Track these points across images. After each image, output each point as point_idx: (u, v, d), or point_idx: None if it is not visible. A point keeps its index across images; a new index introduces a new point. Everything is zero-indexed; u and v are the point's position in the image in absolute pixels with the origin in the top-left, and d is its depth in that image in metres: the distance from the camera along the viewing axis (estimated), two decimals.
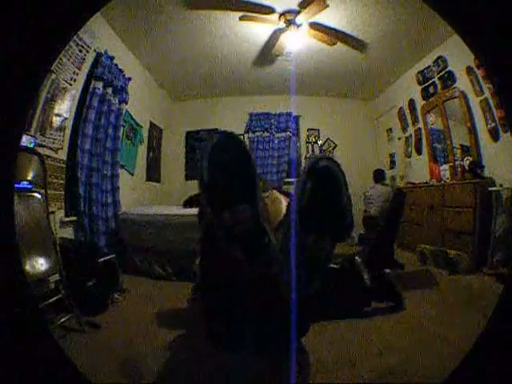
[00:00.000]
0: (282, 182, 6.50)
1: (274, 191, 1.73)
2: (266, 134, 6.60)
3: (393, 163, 6.26)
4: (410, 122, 5.57)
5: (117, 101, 4.07)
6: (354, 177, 6.43)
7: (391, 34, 4.17)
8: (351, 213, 1.26)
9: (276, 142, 6.60)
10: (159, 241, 3.52)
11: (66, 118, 3.17)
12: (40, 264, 2.00)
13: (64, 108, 3.14)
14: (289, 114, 6.63)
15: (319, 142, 6.73)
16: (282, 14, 3.75)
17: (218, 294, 1.67)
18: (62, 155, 3.16)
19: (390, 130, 6.36)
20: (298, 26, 3.83)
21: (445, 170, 4.48)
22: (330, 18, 3.81)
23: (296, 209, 1.23)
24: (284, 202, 1.68)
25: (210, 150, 1.19)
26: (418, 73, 5.03)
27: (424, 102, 5.04)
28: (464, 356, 1.13)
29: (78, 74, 3.30)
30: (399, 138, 5.97)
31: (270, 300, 1.46)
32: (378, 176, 5.46)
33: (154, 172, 5.98)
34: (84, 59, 3.37)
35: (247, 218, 1.21)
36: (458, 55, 4.05)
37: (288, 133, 6.60)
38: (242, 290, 1.50)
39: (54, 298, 2.07)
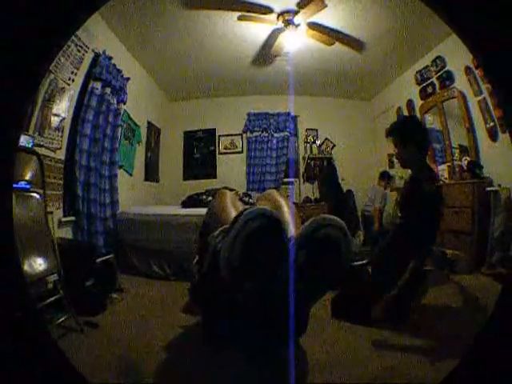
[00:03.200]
0: (281, 182, 6.51)
1: (273, 191, 1.73)
2: (264, 133, 6.61)
3: (391, 163, 6.26)
4: None
5: (115, 101, 4.07)
6: (353, 177, 6.45)
7: (389, 34, 4.18)
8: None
9: (274, 142, 6.60)
10: (157, 241, 3.52)
11: (64, 118, 3.17)
12: (38, 264, 2.00)
13: (62, 108, 3.13)
14: (287, 114, 6.64)
15: (317, 142, 6.73)
16: (280, 14, 3.75)
17: (215, 298, 1.67)
18: (61, 155, 3.16)
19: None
20: (297, 25, 3.83)
21: (443, 169, 4.49)
22: (328, 17, 3.81)
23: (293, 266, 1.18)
24: (283, 202, 1.68)
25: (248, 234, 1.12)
26: (417, 73, 5.04)
27: (422, 101, 5.05)
28: (462, 356, 1.13)
29: (76, 74, 3.30)
30: None
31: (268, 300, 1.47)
32: (380, 177, 5.48)
33: (152, 172, 5.97)
34: (82, 59, 3.37)
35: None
36: (456, 55, 4.06)
37: (286, 133, 6.60)
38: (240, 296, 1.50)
39: (52, 298, 2.07)
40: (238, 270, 1.14)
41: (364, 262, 2.69)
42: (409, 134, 2.36)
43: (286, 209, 1.62)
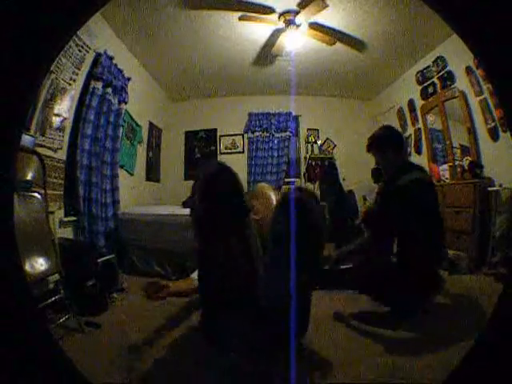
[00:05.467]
0: (282, 182, 6.51)
1: (263, 184, 1.73)
2: (265, 133, 6.61)
3: None
4: (409, 121, 5.57)
5: (116, 101, 4.07)
6: (353, 177, 6.43)
7: (391, 34, 4.18)
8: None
9: (275, 141, 6.60)
10: (159, 240, 3.53)
11: (65, 118, 3.17)
12: (39, 264, 2.00)
13: (63, 108, 3.13)
14: (288, 114, 6.64)
15: (319, 142, 6.73)
16: (281, 14, 3.75)
17: (216, 293, 1.68)
18: (62, 155, 3.16)
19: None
20: (298, 25, 3.83)
21: (444, 169, 4.48)
22: (329, 17, 3.81)
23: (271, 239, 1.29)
24: (273, 195, 1.68)
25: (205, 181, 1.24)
26: (418, 73, 5.04)
27: (423, 101, 5.05)
28: (463, 356, 1.13)
29: (77, 74, 3.30)
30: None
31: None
32: (372, 174, 5.46)
33: (153, 172, 5.98)
34: (83, 59, 3.37)
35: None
36: (457, 55, 4.05)
37: (287, 133, 6.60)
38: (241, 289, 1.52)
39: (53, 298, 2.07)
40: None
41: (349, 266, 2.71)
42: (383, 145, 2.50)
43: (272, 196, 1.65)
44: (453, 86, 4.30)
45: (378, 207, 2.60)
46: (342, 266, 2.63)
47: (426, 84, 4.92)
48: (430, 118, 4.95)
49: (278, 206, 1.34)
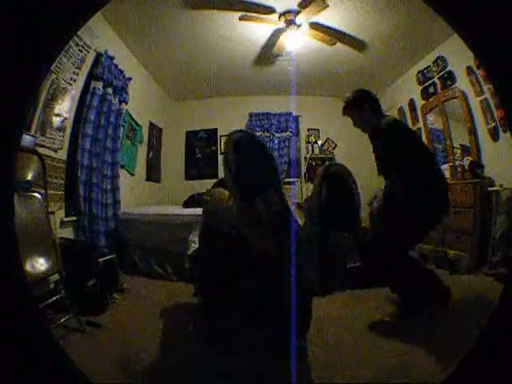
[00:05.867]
0: (282, 182, 6.50)
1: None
2: (265, 134, 6.60)
3: None
4: (409, 121, 5.56)
5: (117, 101, 4.07)
6: (354, 177, 6.41)
7: (391, 34, 4.17)
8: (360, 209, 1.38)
9: (276, 142, 6.59)
10: (159, 241, 3.53)
11: (65, 118, 3.17)
12: (40, 264, 2.00)
13: (64, 108, 3.14)
14: (289, 114, 6.63)
15: (319, 142, 6.73)
16: (281, 14, 3.75)
17: (217, 293, 1.68)
18: (62, 155, 3.16)
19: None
20: (298, 25, 3.83)
21: (445, 169, 4.47)
22: (329, 17, 3.81)
23: (315, 209, 1.31)
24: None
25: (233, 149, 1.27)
26: (418, 73, 5.03)
27: (424, 101, 5.04)
28: (464, 356, 1.13)
29: (78, 74, 3.30)
30: None
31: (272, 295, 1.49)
32: None
33: (153, 172, 5.98)
34: (84, 59, 3.37)
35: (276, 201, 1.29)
36: (457, 55, 4.05)
37: (288, 133, 6.60)
38: (243, 286, 1.52)
39: (54, 298, 2.08)
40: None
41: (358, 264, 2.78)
42: (360, 100, 2.56)
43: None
44: (453, 86, 4.29)
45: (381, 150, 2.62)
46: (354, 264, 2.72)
47: (426, 84, 4.91)
48: (431, 117, 4.95)
49: (322, 180, 1.37)
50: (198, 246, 2.04)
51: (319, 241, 1.36)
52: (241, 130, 1.35)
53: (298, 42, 4.13)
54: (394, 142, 2.33)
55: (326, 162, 1.64)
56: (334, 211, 1.36)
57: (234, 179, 1.30)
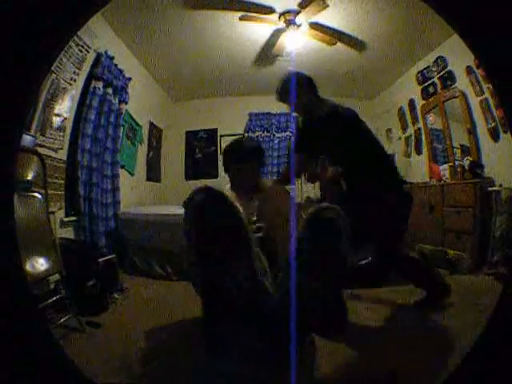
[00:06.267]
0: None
1: (275, 187, 1.72)
2: (266, 134, 6.60)
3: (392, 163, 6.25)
4: (409, 121, 5.57)
5: (117, 101, 4.07)
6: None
7: (391, 34, 4.17)
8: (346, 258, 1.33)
9: (276, 141, 6.59)
10: (159, 241, 3.53)
11: (66, 118, 3.17)
12: (40, 264, 2.01)
13: (64, 108, 3.14)
14: (289, 114, 6.62)
15: None
16: (281, 14, 3.75)
17: (216, 299, 1.68)
18: (62, 155, 3.16)
19: (389, 130, 6.36)
20: (298, 26, 3.83)
21: (444, 169, 4.48)
22: (329, 18, 3.81)
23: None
24: (286, 197, 1.67)
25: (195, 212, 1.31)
26: (418, 73, 5.04)
27: (424, 101, 5.05)
28: (464, 356, 1.13)
29: (78, 74, 3.30)
30: (399, 138, 5.98)
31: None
32: None
33: (154, 172, 5.98)
34: (84, 59, 3.37)
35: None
36: (457, 55, 4.05)
37: (288, 133, 6.59)
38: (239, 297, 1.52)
39: (54, 298, 2.08)
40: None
41: (368, 259, 2.79)
42: (295, 83, 2.66)
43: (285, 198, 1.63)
44: (453, 86, 4.30)
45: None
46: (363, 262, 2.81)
47: (426, 84, 4.92)
48: (431, 117, 4.95)
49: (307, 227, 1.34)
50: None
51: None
52: (203, 189, 1.35)
53: (298, 42, 4.13)
54: (351, 129, 2.33)
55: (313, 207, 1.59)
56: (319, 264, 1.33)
57: (194, 248, 1.30)
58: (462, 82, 4.12)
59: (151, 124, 5.75)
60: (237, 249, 1.32)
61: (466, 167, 3.93)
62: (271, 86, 6.24)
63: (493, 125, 3.67)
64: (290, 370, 1.43)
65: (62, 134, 3.12)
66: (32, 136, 2.60)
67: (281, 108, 6.59)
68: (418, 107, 5.23)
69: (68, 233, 3.23)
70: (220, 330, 1.69)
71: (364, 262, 2.97)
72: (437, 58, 4.52)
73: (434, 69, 4.66)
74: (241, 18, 3.76)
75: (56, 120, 3.02)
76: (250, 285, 1.32)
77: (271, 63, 5.11)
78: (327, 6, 3.49)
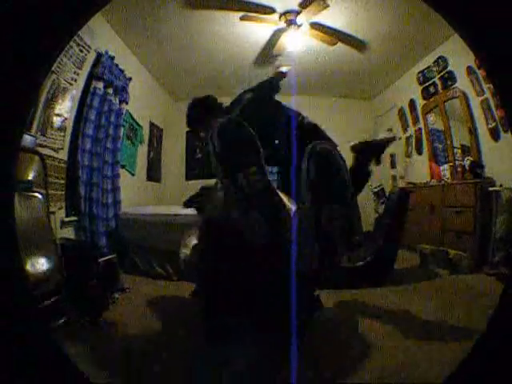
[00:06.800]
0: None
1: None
2: None
3: (393, 163, 6.25)
4: (410, 121, 5.57)
5: (117, 101, 4.07)
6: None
7: (392, 34, 4.17)
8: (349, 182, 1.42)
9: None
10: (160, 241, 3.52)
11: (66, 118, 3.17)
12: (40, 264, 2.00)
13: (65, 108, 3.14)
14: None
15: None
16: (282, 14, 3.75)
17: (219, 287, 1.69)
18: (63, 155, 3.17)
19: (390, 130, 6.34)
20: (299, 26, 3.83)
21: (445, 169, 4.48)
22: (330, 17, 3.81)
23: (306, 187, 1.36)
24: (284, 197, 1.68)
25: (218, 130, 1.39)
26: (419, 73, 5.03)
27: (424, 101, 5.04)
28: (464, 356, 1.13)
29: (78, 74, 3.30)
30: (399, 138, 5.97)
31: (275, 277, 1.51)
32: None
33: (154, 172, 5.98)
34: (85, 59, 3.37)
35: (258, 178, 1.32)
36: (458, 55, 4.05)
37: None
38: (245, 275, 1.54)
39: (54, 298, 2.08)
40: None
41: (369, 259, 2.81)
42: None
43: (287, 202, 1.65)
44: (454, 86, 4.29)
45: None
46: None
47: (427, 84, 4.91)
48: (431, 117, 4.94)
49: (309, 158, 1.42)
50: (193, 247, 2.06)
51: (313, 216, 1.38)
52: (228, 116, 1.42)
53: (299, 42, 4.13)
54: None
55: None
56: (322, 187, 1.39)
57: (217, 157, 1.34)
58: (463, 82, 4.12)
59: (152, 124, 5.76)
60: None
61: (467, 167, 3.93)
62: None
63: (493, 125, 3.67)
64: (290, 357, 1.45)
65: (62, 133, 3.12)
66: (33, 136, 2.60)
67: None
68: (419, 107, 5.23)
69: (68, 233, 3.23)
70: (221, 318, 1.71)
71: (363, 262, 2.98)
72: (437, 58, 4.52)
73: (434, 69, 4.65)
74: (241, 18, 3.76)
75: (56, 120, 3.03)
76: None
77: (272, 63, 5.11)
78: (328, 5, 3.49)
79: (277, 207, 1.37)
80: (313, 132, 2.36)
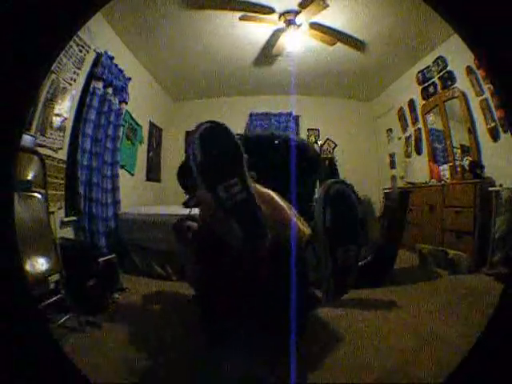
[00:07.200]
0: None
1: (270, 192, 1.72)
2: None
3: (393, 163, 6.26)
4: (409, 121, 5.57)
5: (117, 101, 4.08)
6: (354, 177, 6.43)
7: (391, 34, 4.17)
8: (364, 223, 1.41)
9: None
10: (159, 241, 3.52)
11: (66, 118, 3.17)
12: (40, 264, 2.00)
13: (64, 108, 3.14)
14: (289, 114, 6.63)
15: (319, 142, 6.72)
16: (281, 14, 3.75)
17: (216, 292, 1.69)
18: (62, 155, 3.16)
19: (389, 130, 6.36)
20: (298, 25, 3.84)
21: (445, 170, 4.48)
22: (329, 18, 3.81)
23: (322, 230, 1.34)
24: (281, 201, 1.67)
25: (200, 137, 1.34)
26: (418, 73, 5.03)
27: (424, 102, 5.04)
28: (464, 356, 1.13)
29: (78, 74, 3.30)
30: (399, 138, 5.98)
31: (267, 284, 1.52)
32: None
33: (153, 172, 5.98)
34: (84, 59, 3.37)
35: (238, 189, 1.30)
36: (457, 55, 4.05)
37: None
38: (240, 280, 1.55)
39: (54, 298, 2.08)
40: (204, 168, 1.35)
41: (369, 259, 2.82)
42: None
43: (288, 210, 1.63)
44: (453, 86, 4.29)
45: None
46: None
47: (426, 84, 4.92)
48: (431, 117, 4.95)
49: (325, 203, 1.43)
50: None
51: (330, 256, 1.39)
52: (210, 121, 1.39)
53: (298, 42, 4.14)
54: None
55: (327, 182, 1.58)
56: (340, 230, 1.40)
57: (197, 167, 1.33)
58: (462, 82, 4.12)
59: (151, 124, 5.76)
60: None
61: (466, 167, 3.93)
62: (271, 86, 6.29)
63: (493, 125, 3.67)
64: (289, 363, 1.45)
65: (61, 133, 3.12)
66: (32, 136, 2.60)
67: (280, 108, 6.63)
68: (418, 107, 5.23)
69: (68, 233, 3.23)
70: (221, 322, 1.71)
71: (363, 262, 2.98)
72: (437, 58, 4.52)
73: (434, 69, 4.66)
74: (241, 18, 3.76)
75: (56, 120, 3.02)
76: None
77: (271, 63, 5.11)
78: (327, 5, 3.50)
79: (255, 221, 1.36)
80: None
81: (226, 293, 1.67)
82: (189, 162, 1.35)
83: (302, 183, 2.21)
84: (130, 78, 4.41)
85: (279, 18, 3.80)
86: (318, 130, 6.83)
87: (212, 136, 1.35)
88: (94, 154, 3.59)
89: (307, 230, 1.55)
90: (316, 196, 1.47)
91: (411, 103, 5.43)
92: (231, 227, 1.32)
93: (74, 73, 3.24)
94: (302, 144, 2.53)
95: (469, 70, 3.94)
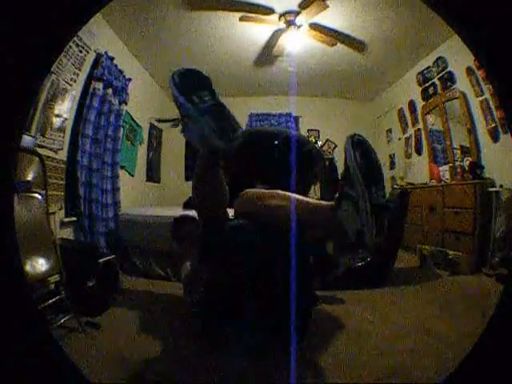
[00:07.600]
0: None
1: (279, 191, 1.70)
2: None
3: (392, 164, 6.26)
4: (409, 122, 5.57)
5: (117, 101, 4.08)
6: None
7: (391, 35, 4.18)
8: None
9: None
10: (159, 241, 3.52)
11: (66, 119, 3.17)
12: (40, 265, 2.00)
13: (64, 109, 3.14)
14: (289, 115, 6.64)
15: (319, 143, 6.72)
16: (282, 15, 3.75)
17: (219, 291, 1.70)
18: (62, 156, 3.17)
19: (389, 131, 6.37)
20: (298, 26, 3.84)
21: (444, 170, 4.48)
22: (329, 18, 3.82)
23: (357, 170, 1.48)
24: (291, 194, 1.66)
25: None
26: (418, 73, 5.04)
27: (424, 102, 5.05)
28: (464, 356, 1.13)
29: (78, 75, 3.31)
30: (399, 139, 5.98)
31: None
32: None
33: (154, 173, 5.98)
34: (84, 60, 3.37)
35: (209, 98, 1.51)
36: (457, 56, 4.06)
37: None
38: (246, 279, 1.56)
39: (54, 299, 2.07)
40: None
41: (369, 259, 2.83)
42: None
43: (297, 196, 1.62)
44: (453, 87, 4.30)
45: None
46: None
47: (426, 85, 4.92)
48: (431, 118, 4.95)
49: (355, 147, 1.56)
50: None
51: (368, 200, 1.44)
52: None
53: (298, 42, 4.14)
54: None
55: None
56: (370, 170, 1.50)
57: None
58: (462, 83, 4.12)
59: (151, 125, 5.76)
60: None
61: (466, 168, 3.93)
62: (271, 87, 6.29)
63: (493, 125, 3.67)
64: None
65: (61, 134, 3.12)
66: (32, 136, 2.60)
67: (280, 108, 6.63)
68: (418, 108, 5.23)
69: (68, 233, 3.23)
70: (221, 326, 1.72)
71: (363, 262, 2.99)
72: (437, 59, 4.53)
73: (434, 70, 4.66)
74: (241, 19, 3.76)
75: (56, 120, 3.02)
76: None
77: (271, 64, 5.12)
78: (327, 6, 3.50)
79: (226, 116, 1.49)
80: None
81: (229, 291, 1.67)
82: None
83: (301, 180, 2.21)
84: (130, 79, 4.41)
85: (279, 18, 3.80)
86: (318, 131, 6.83)
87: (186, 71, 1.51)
88: (94, 154, 3.59)
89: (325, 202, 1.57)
90: (345, 145, 1.56)
91: (411, 104, 5.43)
92: (206, 121, 1.40)
93: (74, 73, 3.24)
94: (301, 138, 2.57)
95: (469, 71, 3.95)
